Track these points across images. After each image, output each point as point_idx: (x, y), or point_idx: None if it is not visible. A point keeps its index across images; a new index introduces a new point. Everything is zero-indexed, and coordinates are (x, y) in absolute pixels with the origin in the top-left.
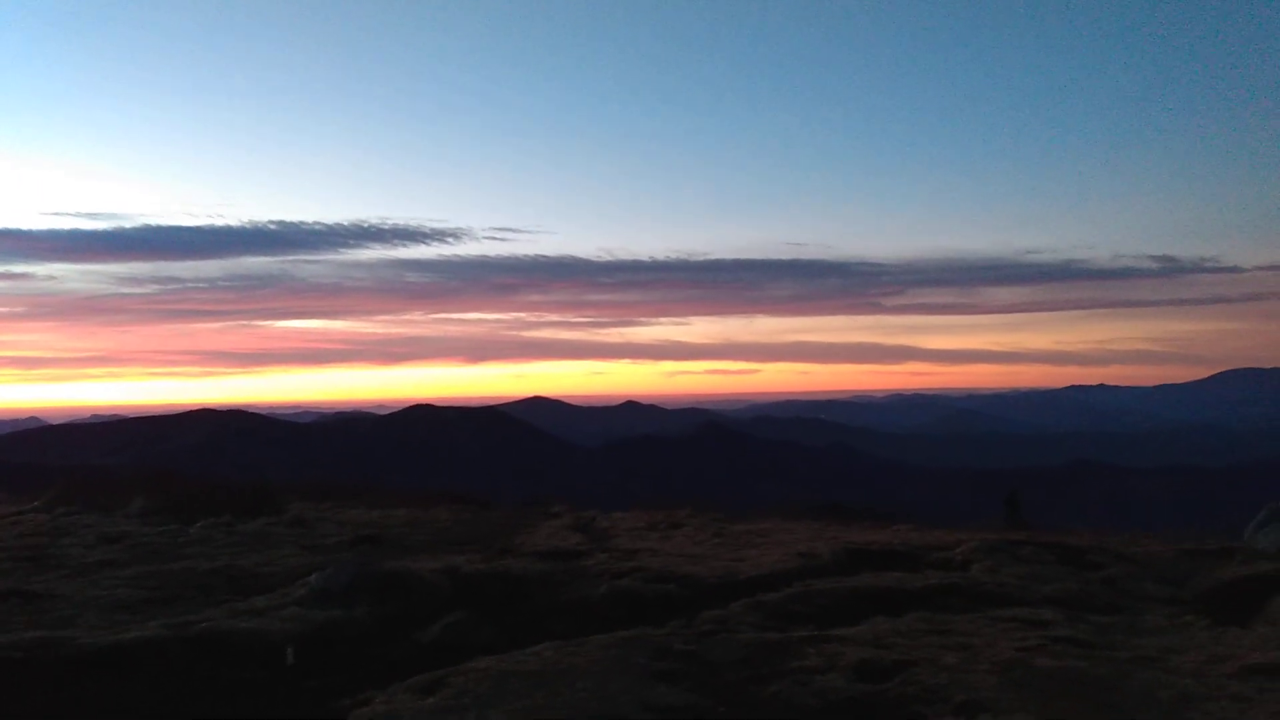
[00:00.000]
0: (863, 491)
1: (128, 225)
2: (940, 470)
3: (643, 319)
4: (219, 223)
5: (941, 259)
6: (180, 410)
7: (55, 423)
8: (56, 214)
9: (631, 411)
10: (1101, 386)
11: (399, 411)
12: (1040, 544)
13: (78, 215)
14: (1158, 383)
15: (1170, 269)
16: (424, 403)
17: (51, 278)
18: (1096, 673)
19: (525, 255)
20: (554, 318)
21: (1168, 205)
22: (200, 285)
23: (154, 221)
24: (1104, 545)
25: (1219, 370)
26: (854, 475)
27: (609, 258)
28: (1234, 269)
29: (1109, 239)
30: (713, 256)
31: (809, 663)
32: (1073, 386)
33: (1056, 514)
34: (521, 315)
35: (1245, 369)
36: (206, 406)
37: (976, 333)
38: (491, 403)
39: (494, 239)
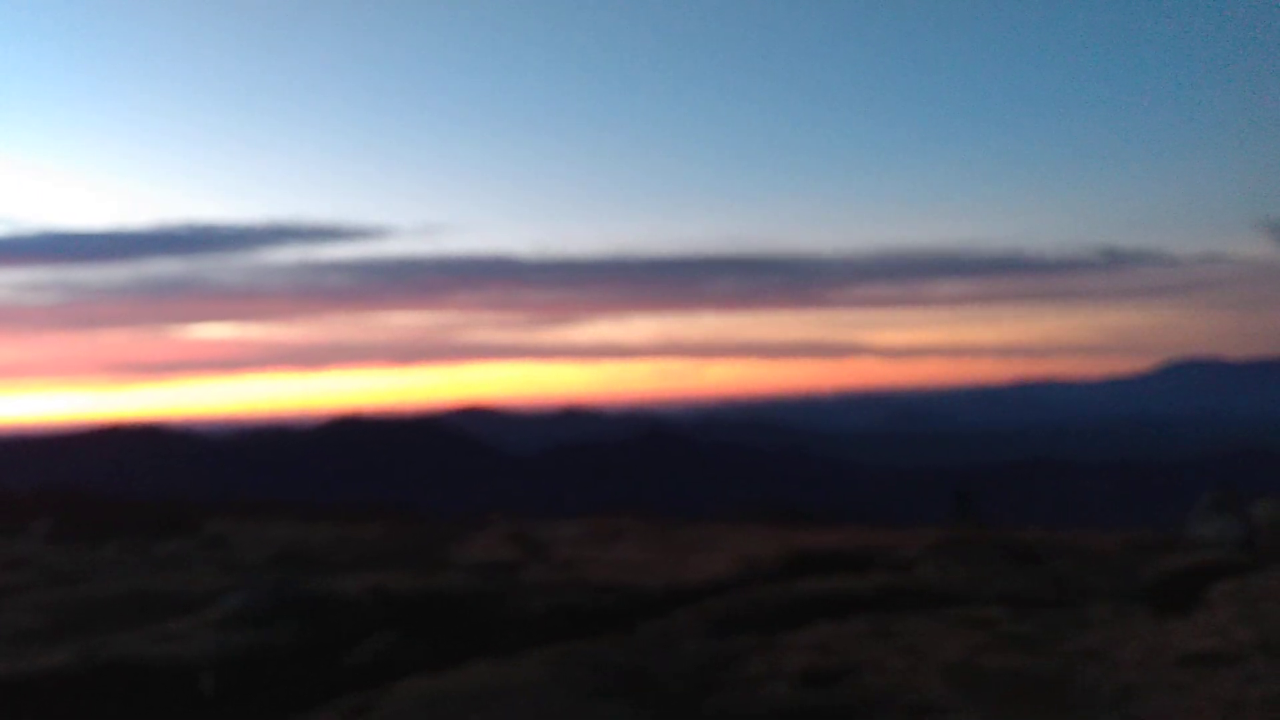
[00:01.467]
0: (812, 493)
1: (26, 228)
2: (890, 470)
3: (580, 318)
4: (124, 224)
5: (885, 251)
6: (89, 425)
7: None
8: None
9: (571, 418)
10: (1049, 380)
11: (324, 422)
12: (989, 542)
13: None
14: (1104, 376)
15: (1112, 260)
16: (350, 412)
17: None
18: (1042, 670)
19: (454, 253)
20: (487, 318)
21: (1109, 195)
22: (106, 292)
23: (54, 224)
24: (1052, 541)
25: (1162, 362)
26: (803, 477)
27: (542, 254)
28: (1173, 260)
29: (1051, 229)
30: (651, 252)
31: (754, 671)
32: (1021, 380)
33: (1007, 511)
34: (452, 316)
35: (1188, 361)
36: (117, 420)
37: (923, 327)
38: (422, 409)
39: (419, 236)
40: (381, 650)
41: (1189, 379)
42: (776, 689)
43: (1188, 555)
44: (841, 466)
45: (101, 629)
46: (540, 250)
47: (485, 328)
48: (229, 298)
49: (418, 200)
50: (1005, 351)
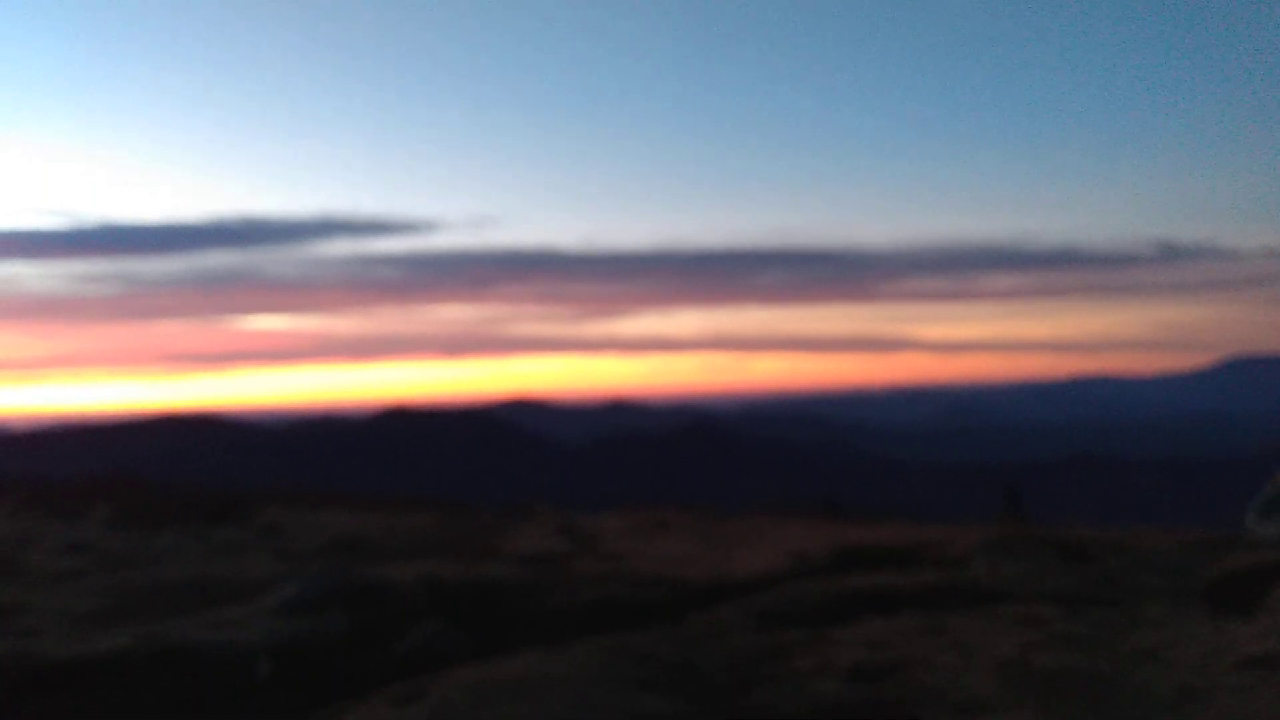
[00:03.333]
0: (858, 489)
1: (87, 222)
2: (938, 465)
3: (627, 311)
4: (180, 217)
5: (936, 245)
6: (146, 414)
7: (17, 428)
8: (13, 211)
9: (617, 409)
10: (1102, 376)
11: (375, 413)
12: (1040, 539)
13: (35, 212)
14: (1159, 372)
15: (1168, 254)
16: (401, 403)
17: (9, 278)
18: (1096, 669)
19: (502, 246)
20: (534, 311)
21: (1166, 187)
22: (163, 283)
23: (114, 218)
24: (1105, 539)
25: (1221, 358)
26: (849, 472)
27: (591, 248)
28: (1233, 253)
29: (1107, 222)
30: (698, 245)
31: (801, 666)
32: (1073, 376)
33: (1057, 508)
34: (500, 309)
35: (1247, 356)
36: (173, 410)
37: (974, 321)
38: (471, 401)
39: (469, 229)
40: (430, 638)
41: (1247, 375)
42: (824, 684)
43: (1247, 555)
44: (889, 462)
45: (160, 614)
46: (587, 243)
47: (532, 320)
48: (282, 290)
49: (466, 194)
50: (1058, 347)
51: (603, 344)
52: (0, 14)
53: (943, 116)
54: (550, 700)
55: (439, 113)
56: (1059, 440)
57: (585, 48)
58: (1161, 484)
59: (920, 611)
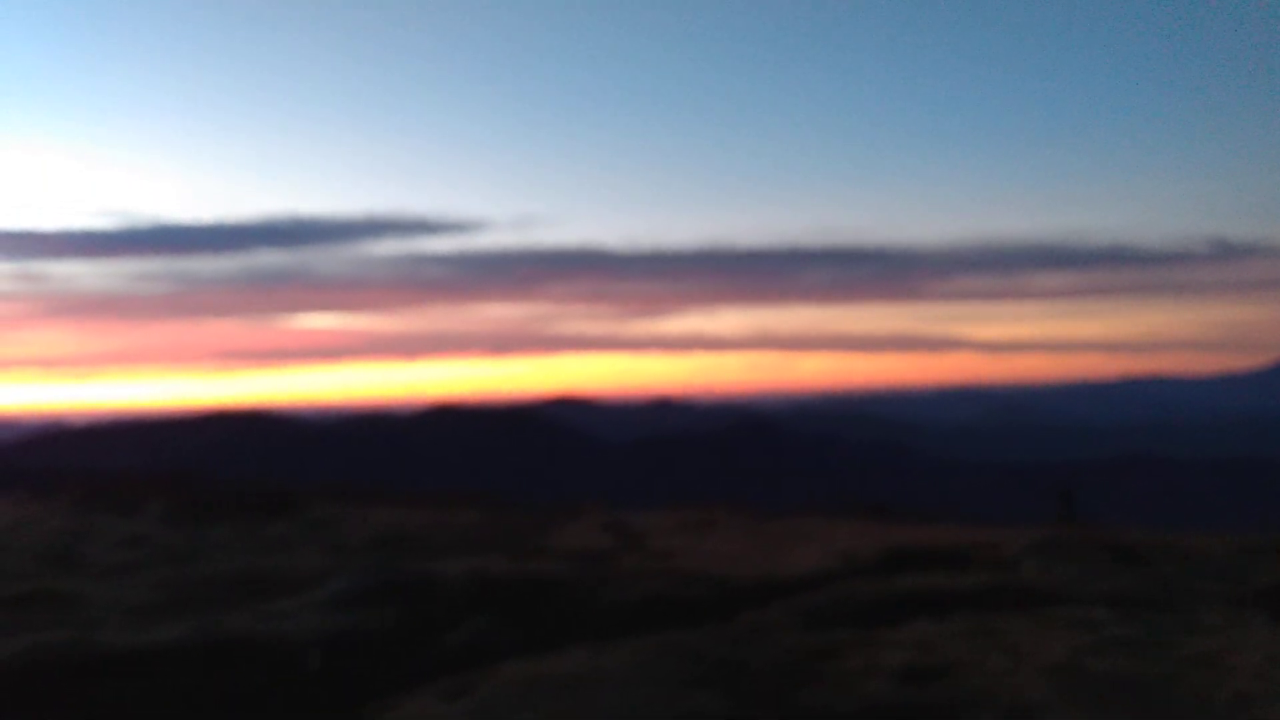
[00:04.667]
0: (906, 488)
1: (140, 221)
2: (988, 466)
3: (672, 310)
4: (232, 217)
5: (985, 243)
6: (199, 410)
7: (75, 423)
8: (68, 212)
9: (662, 407)
10: (1155, 376)
11: (422, 410)
12: (1093, 541)
13: (89, 212)
14: (1214, 372)
15: (1224, 252)
16: (447, 400)
17: (66, 276)
18: (1151, 674)
19: (548, 245)
20: (580, 310)
21: (1220, 184)
22: (215, 282)
23: (166, 217)
24: (1159, 542)
25: (1277, 358)
26: (897, 471)
27: (635, 247)
28: None
29: (1160, 220)
30: (743, 244)
31: (851, 667)
32: (1125, 376)
33: (1110, 510)
34: (546, 308)
35: None
36: (225, 406)
37: (1024, 321)
38: (517, 399)
39: (515, 229)
40: (479, 633)
41: None
42: (875, 685)
43: None
44: (938, 461)
45: (213, 606)
46: (632, 242)
47: (578, 319)
48: (331, 288)
49: (512, 193)
50: (1110, 346)
51: (648, 342)
52: (53, 19)
53: (992, 113)
54: (599, 697)
55: (485, 113)
56: (1110, 441)
57: (630, 48)
58: (1216, 486)
59: (970, 613)
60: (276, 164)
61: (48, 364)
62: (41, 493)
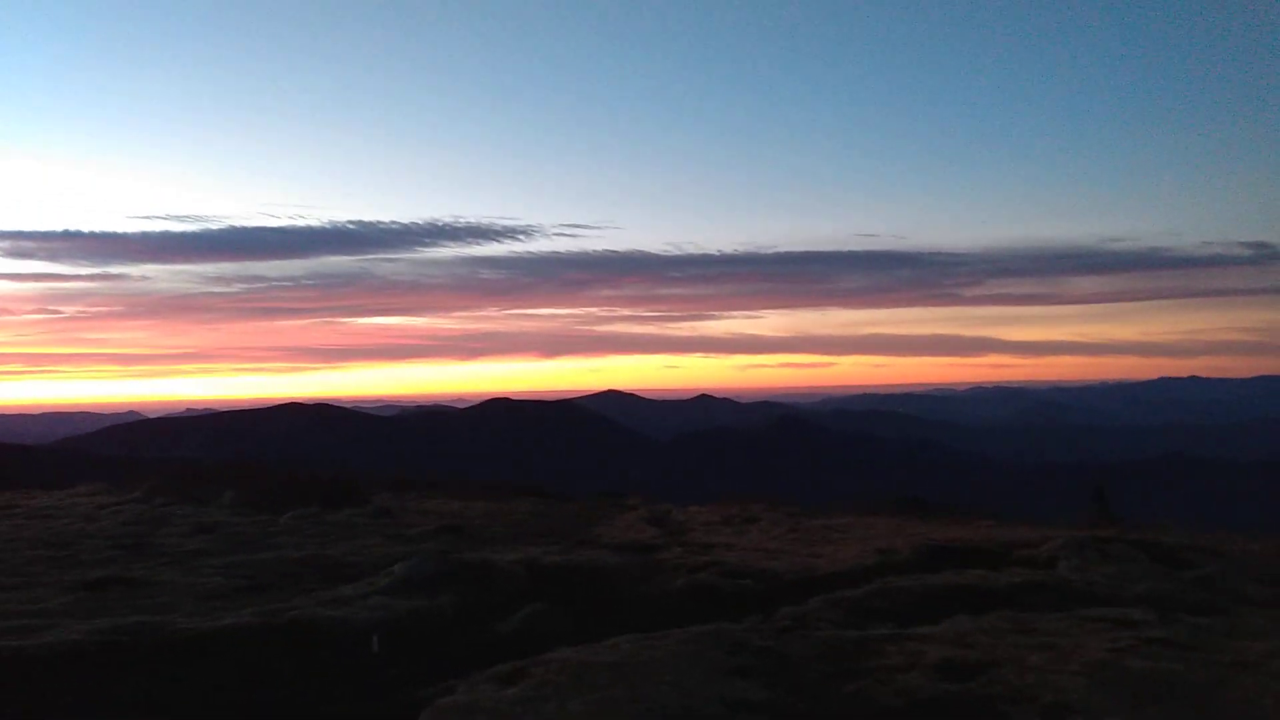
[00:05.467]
0: (942, 486)
1: (214, 227)
2: (1023, 464)
3: (714, 312)
4: (300, 223)
5: (1021, 248)
6: (268, 404)
7: (151, 416)
8: (147, 217)
9: (705, 405)
10: (1192, 378)
11: (477, 405)
12: (1130, 541)
13: (167, 218)
14: (1252, 374)
15: (1263, 256)
16: (501, 396)
17: (144, 278)
18: (1193, 677)
19: (595, 251)
20: (625, 312)
21: (1258, 189)
22: (284, 284)
23: (238, 223)
24: (1198, 543)
25: None
26: (933, 469)
27: (678, 252)
28: None
29: (1196, 225)
30: (783, 249)
31: (890, 661)
32: (1162, 378)
33: (1146, 509)
34: (593, 310)
35: None
36: (292, 400)
37: (1059, 323)
38: (566, 396)
39: (563, 235)
40: (532, 620)
41: None
42: (913, 679)
43: None
44: (974, 459)
45: (280, 591)
46: (676, 248)
47: (624, 321)
48: (393, 291)
49: (563, 201)
50: (1146, 349)
51: (691, 344)
52: (134, 37)
53: (1028, 118)
54: (647, 684)
55: (538, 127)
56: (1148, 441)
57: (675, 63)
58: (1252, 487)
59: (1008, 611)
60: (342, 174)
61: (126, 360)
62: (118, 481)
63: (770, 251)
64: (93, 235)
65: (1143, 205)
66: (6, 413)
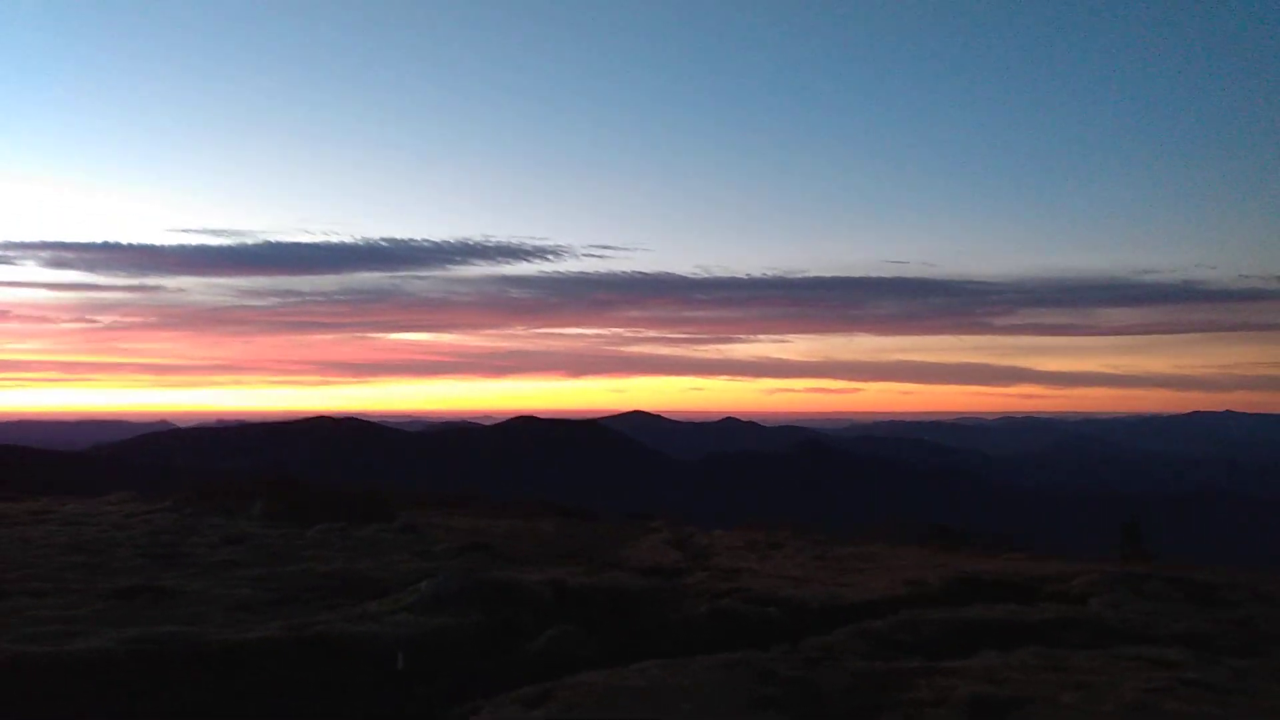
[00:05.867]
0: (970, 516)
1: (249, 241)
2: (1053, 496)
3: (741, 336)
4: (334, 239)
5: (1053, 277)
6: (299, 416)
7: (184, 426)
8: (184, 230)
9: (730, 428)
10: (1227, 413)
11: (503, 423)
12: (1166, 578)
13: (203, 232)
14: None
15: None
16: (527, 414)
17: (180, 290)
18: None
19: (623, 272)
20: (652, 334)
21: None
22: (317, 299)
23: (274, 238)
24: (1236, 581)
25: None
26: (961, 498)
27: (706, 275)
28: None
29: (1232, 258)
30: (811, 274)
31: (920, 695)
32: (1195, 412)
33: (1180, 545)
34: (620, 331)
35: None
36: (323, 414)
37: (1091, 355)
38: (592, 416)
39: (592, 256)
40: (558, 641)
41: None
42: (943, 715)
43: None
44: (1003, 489)
45: (308, 605)
46: (704, 270)
47: (651, 342)
48: (423, 307)
49: (591, 222)
50: (1179, 383)
51: (717, 367)
52: (168, 53)
53: (1060, 147)
54: (673, 709)
55: (567, 147)
56: (1180, 476)
57: (704, 85)
58: None
59: (1040, 646)
60: (375, 191)
61: (160, 370)
62: (149, 490)
63: (799, 276)
64: (130, 247)
65: (1177, 237)
66: (42, 419)
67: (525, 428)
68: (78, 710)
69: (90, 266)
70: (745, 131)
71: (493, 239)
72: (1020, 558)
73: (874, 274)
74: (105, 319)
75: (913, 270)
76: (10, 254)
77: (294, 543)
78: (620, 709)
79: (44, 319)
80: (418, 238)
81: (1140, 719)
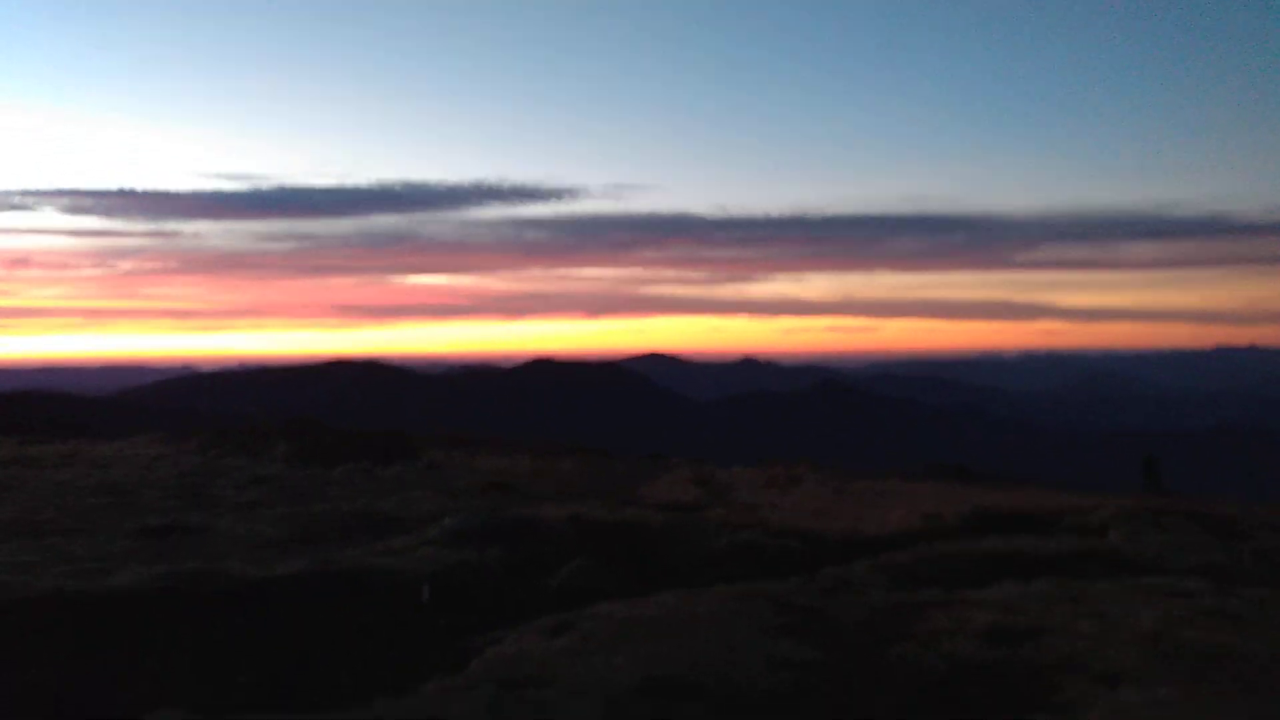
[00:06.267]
0: (990, 453)
1: (264, 185)
2: (1074, 433)
3: (759, 275)
4: (349, 183)
5: (1077, 213)
6: (318, 360)
7: (205, 371)
8: (199, 175)
9: (748, 367)
10: (1251, 347)
11: (522, 365)
12: (1183, 512)
13: (218, 176)
14: None
15: None
16: (546, 356)
17: (197, 235)
18: (1249, 649)
19: (639, 212)
20: (670, 274)
21: None
22: (333, 242)
23: (288, 182)
24: (1253, 515)
25: None
26: (981, 436)
27: (723, 214)
28: None
29: (1260, 190)
30: (830, 211)
31: (937, 625)
32: (1219, 347)
33: (1199, 480)
34: (637, 271)
35: None
36: (341, 357)
37: (1115, 290)
38: (611, 357)
39: (609, 196)
40: (578, 575)
41: None
42: (960, 644)
43: None
44: (1024, 427)
45: (333, 541)
46: (722, 209)
47: (669, 282)
48: (440, 250)
49: (608, 162)
50: (1204, 317)
51: (735, 306)
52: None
53: (1084, 79)
54: (691, 639)
55: (583, 87)
56: (1203, 410)
57: (721, 22)
58: None
59: (1058, 578)
60: (390, 134)
61: (181, 315)
62: (175, 434)
63: (818, 214)
64: (147, 193)
65: (1204, 168)
66: (68, 365)
67: (544, 370)
68: (112, 642)
69: (108, 212)
70: (762, 67)
71: (508, 180)
72: (1038, 493)
73: (894, 210)
74: (125, 265)
75: (933, 206)
76: (29, 201)
77: (318, 482)
78: (639, 637)
79: (65, 265)
80: (432, 180)
81: (1157, 647)
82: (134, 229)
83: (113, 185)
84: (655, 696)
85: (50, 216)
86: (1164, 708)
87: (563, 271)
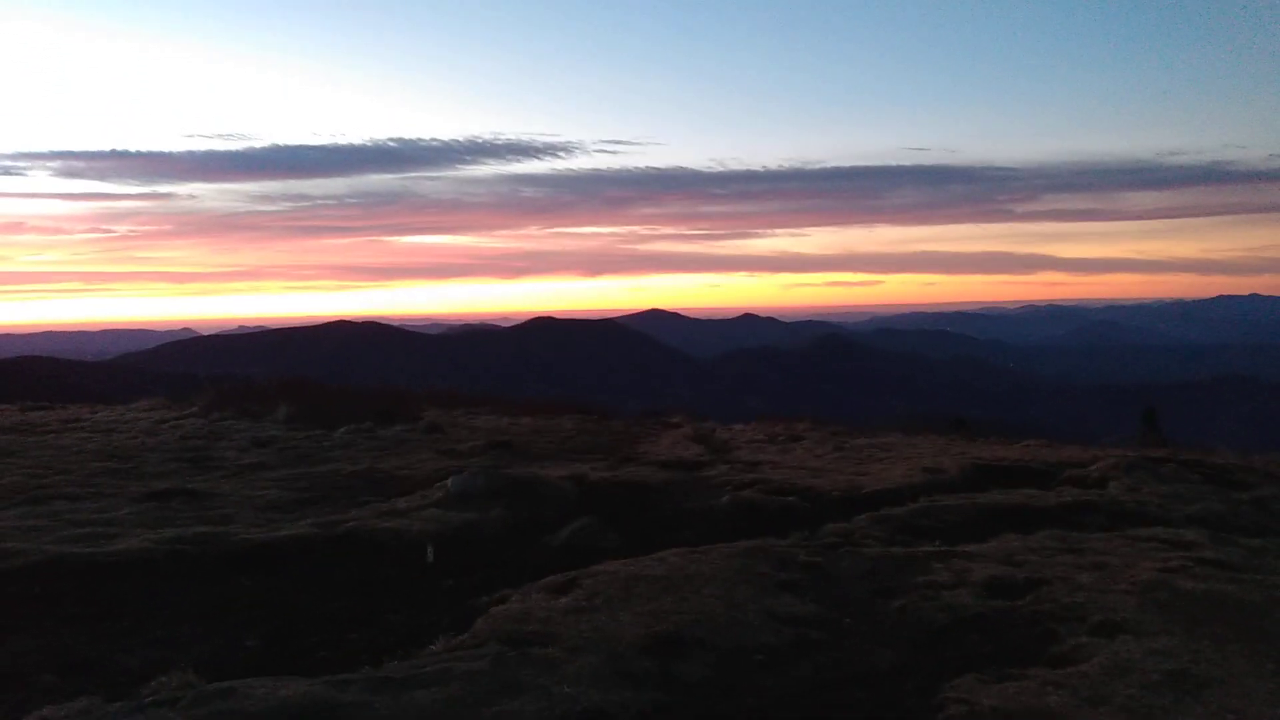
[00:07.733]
0: (991, 406)
1: (258, 145)
2: (1075, 385)
3: (758, 230)
4: (342, 141)
5: (1077, 162)
6: (317, 321)
7: (205, 333)
8: (191, 135)
9: (748, 324)
10: (1253, 296)
11: (521, 324)
12: (1183, 462)
13: (211, 136)
14: None
15: None
16: (544, 315)
17: (192, 197)
18: (1247, 598)
19: (636, 168)
20: (668, 230)
21: None
22: (328, 203)
23: (281, 141)
24: (1252, 465)
25: None
26: (981, 389)
27: (721, 168)
28: None
29: (1263, 137)
30: (829, 164)
31: (936, 578)
32: (1221, 296)
33: (1200, 431)
34: (636, 228)
35: None
36: (341, 318)
37: (1116, 240)
38: (609, 315)
39: (604, 152)
40: (581, 533)
41: None
42: (960, 596)
43: None
44: (1025, 379)
45: (336, 503)
46: (720, 163)
47: (667, 239)
48: (436, 209)
49: (603, 117)
50: (1205, 266)
51: (735, 262)
52: None
53: (1082, 25)
54: (695, 596)
55: (576, 40)
56: (1203, 361)
57: None
58: None
59: (1057, 530)
60: (381, 90)
61: (178, 278)
62: (176, 397)
63: (817, 167)
64: (140, 155)
65: (1205, 117)
66: (66, 330)
67: (543, 328)
68: (121, 606)
69: (101, 175)
70: (758, 16)
71: (502, 136)
72: (1039, 445)
73: (893, 162)
74: (120, 228)
75: (933, 157)
76: (21, 164)
77: (320, 444)
78: (643, 594)
79: (59, 230)
80: (426, 137)
81: (1155, 597)
82: (128, 191)
83: (105, 147)
84: (659, 652)
85: (42, 180)
86: (1162, 657)
87: (559, 230)
